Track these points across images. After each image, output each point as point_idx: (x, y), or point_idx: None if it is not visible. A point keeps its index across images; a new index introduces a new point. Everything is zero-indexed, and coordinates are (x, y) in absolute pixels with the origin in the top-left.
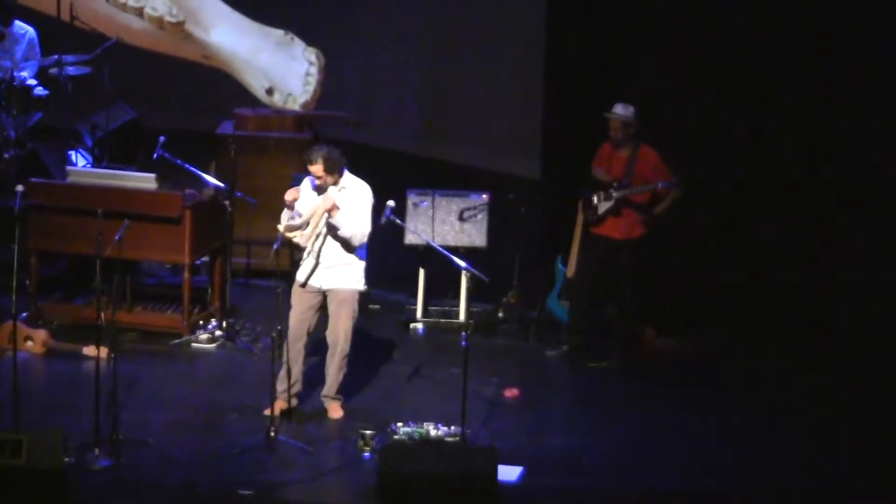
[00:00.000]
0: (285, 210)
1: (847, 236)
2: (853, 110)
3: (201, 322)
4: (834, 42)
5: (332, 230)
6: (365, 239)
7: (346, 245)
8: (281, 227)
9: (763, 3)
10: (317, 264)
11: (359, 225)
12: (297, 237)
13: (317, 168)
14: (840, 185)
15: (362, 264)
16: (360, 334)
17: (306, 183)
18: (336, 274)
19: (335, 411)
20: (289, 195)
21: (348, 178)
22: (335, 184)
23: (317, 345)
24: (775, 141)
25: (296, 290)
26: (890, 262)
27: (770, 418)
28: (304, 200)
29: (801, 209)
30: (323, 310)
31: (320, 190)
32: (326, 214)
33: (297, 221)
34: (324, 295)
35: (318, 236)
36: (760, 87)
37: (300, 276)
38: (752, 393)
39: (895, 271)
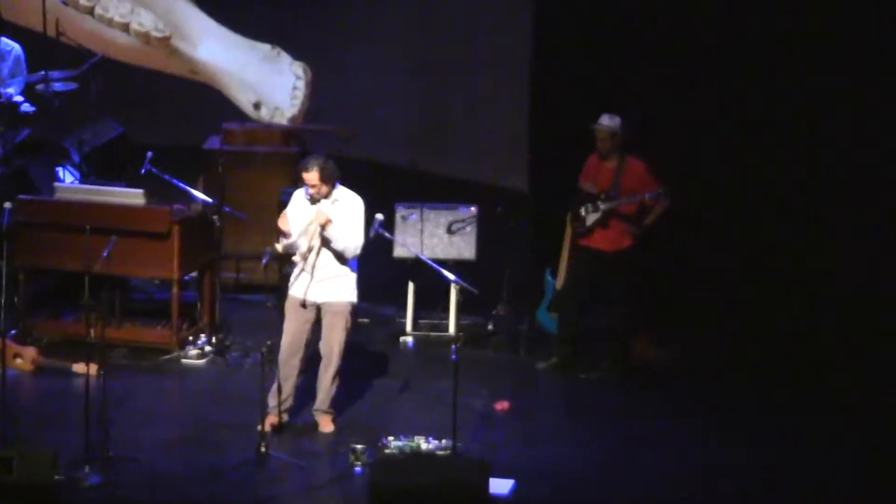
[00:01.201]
0: (281, 238)
1: (842, 239)
2: (848, 115)
3: (191, 338)
4: (832, 45)
5: (325, 244)
6: (358, 251)
7: (340, 258)
8: (279, 247)
9: (752, 9)
10: (310, 278)
11: (352, 238)
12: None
13: (312, 175)
14: (836, 187)
15: (354, 276)
16: (350, 348)
17: (298, 194)
18: (329, 287)
19: (326, 425)
20: (283, 224)
21: (341, 190)
22: (328, 195)
23: (307, 360)
24: (767, 144)
25: (290, 305)
26: (890, 264)
27: (764, 427)
28: (298, 212)
29: (793, 212)
30: (317, 323)
31: (314, 200)
32: (320, 228)
33: (291, 239)
34: (318, 309)
35: (311, 250)
36: (749, 91)
37: (294, 291)
38: (744, 402)
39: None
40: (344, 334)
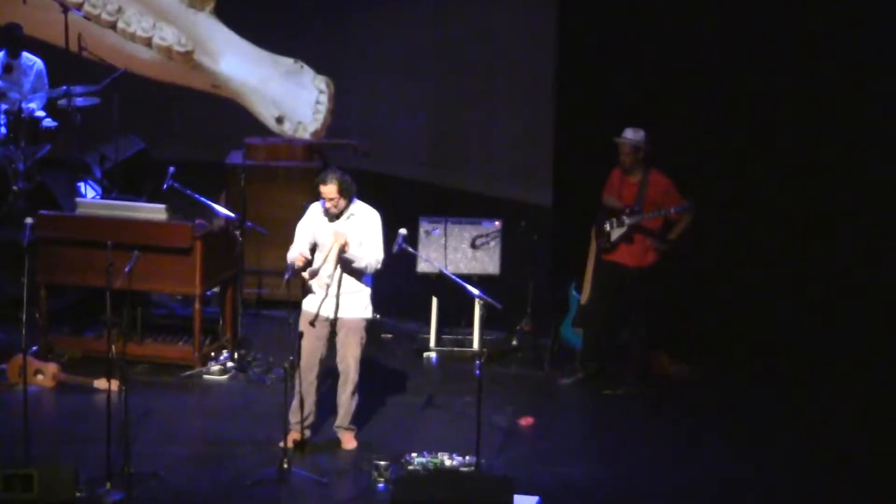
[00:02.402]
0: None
1: (864, 248)
2: (871, 121)
3: (213, 353)
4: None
5: (347, 264)
6: (380, 266)
7: (358, 274)
8: (306, 275)
9: (775, 22)
10: (325, 294)
11: (373, 253)
12: (319, 277)
13: (330, 189)
14: (856, 198)
15: (369, 291)
16: (373, 364)
17: (314, 208)
18: (344, 303)
19: (348, 442)
20: (299, 260)
21: (357, 205)
22: (345, 209)
23: (326, 375)
24: (791, 163)
25: (304, 321)
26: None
27: (788, 442)
28: (314, 226)
29: (812, 223)
30: (331, 339)
31: (329, 214)
32: (339, 251)
33: (315, 266)
34: (331, 324)
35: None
36: (777, 113)
37: (307, 306)
38: (767, 416)
39: None
40: (359, 350)
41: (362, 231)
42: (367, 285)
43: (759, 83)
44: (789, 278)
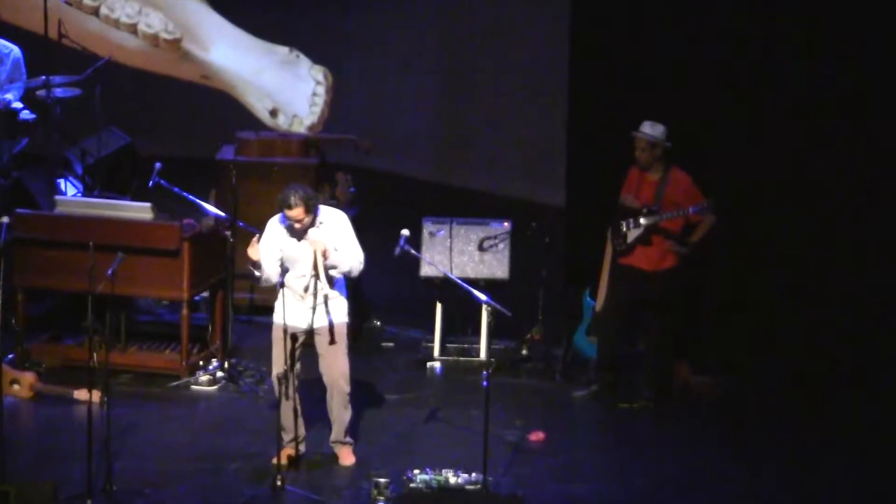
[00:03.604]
0: (251, 269)
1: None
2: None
3: (201, 363)
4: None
5: (329, 270)
6: (362, 266)
7: (332, 281)
8: (261, 283)
9: (789, 19)
10: (301, 305)
11: (353, 256)
12: (293, 290)
13: (297, 212)
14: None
15: (345, 300)
16: (373, 374)
17: (273, 223)
18: (320, 311)
19: (346, 457)
20: (253, 253)
21: (323, 211)
22: (313, 222)
23: (314, 388)
24: (812, 164)
25: (279, 335)
26: None
27: (810, 464)
28: (279, 241)
29: (841, 233)
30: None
31: (291, 230)
32: (322, 258)
33: (267, 273)
34: (307, 335)
35: (315, 279)
36: (798, 113)
37: (281, 318)
38: (792, 434)
39: None
40: (345, 360)
41: (335, 237)
42: (341, 293)
43: (770, 83)
44: (818, 285)
